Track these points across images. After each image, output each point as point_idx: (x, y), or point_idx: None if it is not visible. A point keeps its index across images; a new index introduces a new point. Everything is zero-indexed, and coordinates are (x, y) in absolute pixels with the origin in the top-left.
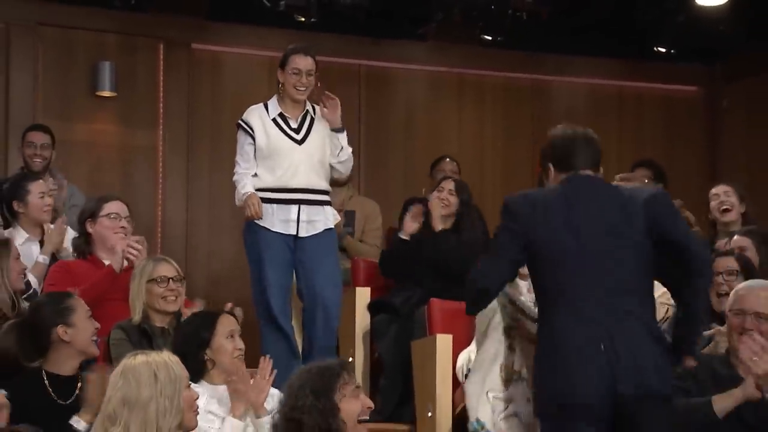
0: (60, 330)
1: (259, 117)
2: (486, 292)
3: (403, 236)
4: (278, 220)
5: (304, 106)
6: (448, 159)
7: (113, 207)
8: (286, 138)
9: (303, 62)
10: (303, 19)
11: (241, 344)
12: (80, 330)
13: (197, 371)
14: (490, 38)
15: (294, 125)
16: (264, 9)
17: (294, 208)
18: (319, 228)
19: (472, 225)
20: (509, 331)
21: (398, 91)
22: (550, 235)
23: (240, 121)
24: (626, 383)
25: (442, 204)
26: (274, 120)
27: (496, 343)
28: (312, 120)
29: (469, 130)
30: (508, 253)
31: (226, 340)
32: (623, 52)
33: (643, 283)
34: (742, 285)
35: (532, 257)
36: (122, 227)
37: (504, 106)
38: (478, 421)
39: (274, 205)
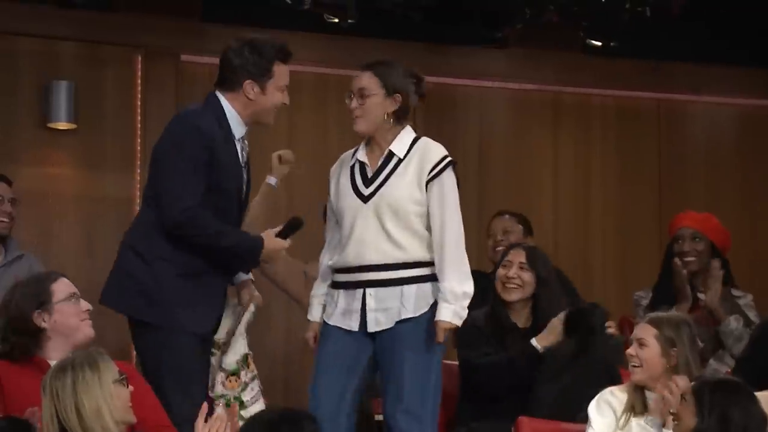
0: None
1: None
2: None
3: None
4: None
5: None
6: (505, 216)
7: (67, 286)
8: (355, 197)
9: (354, 81)
10: (337, 21)
11: None
12: None
13: None
14: (599, 43)
15: (369, 174)
16: (281, 8)
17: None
18: (393, 318)
19: (556, 311)
20: None
21: (469, 116)
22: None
23: None
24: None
25: (512, 285)
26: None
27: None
28: (398, 163)
29: (569, 167)
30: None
31: None
32: None
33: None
34: None
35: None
36: (87, 311)
37: (619, 134)
38: None
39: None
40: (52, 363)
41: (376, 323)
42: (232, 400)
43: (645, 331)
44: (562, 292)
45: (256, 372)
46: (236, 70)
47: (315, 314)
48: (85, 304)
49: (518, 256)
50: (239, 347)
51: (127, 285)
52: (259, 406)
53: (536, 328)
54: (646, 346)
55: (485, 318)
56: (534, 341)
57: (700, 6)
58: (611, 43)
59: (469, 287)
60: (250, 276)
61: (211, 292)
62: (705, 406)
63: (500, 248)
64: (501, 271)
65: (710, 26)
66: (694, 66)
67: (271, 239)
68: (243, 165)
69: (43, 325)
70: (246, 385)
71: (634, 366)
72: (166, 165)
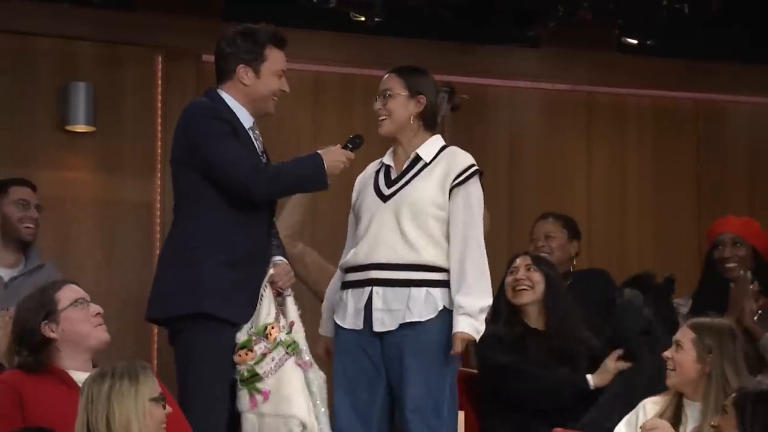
0: None
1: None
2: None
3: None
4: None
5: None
6: (549, 219)
7: (72, 292)
8: (376, 197)
9: (380, 84)
10: (363, 19)
11: None
12: None
13: None
14: (634, 42)
15: (393, 175)
16: (305, 6)
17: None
18: (397, 320)
19: (566, 311)
20: None
21: (500, 117)
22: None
23: None
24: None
25: (523, 287)
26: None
27: None
28: (423, 167)
29: (604, 170)
30: (252, 155)
31: None
32: None
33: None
34: None
35: None
36: (99, 314)
37: (656, 136)
38: None
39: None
40: (70, 372)
41: (382, 323)
42: (245, 374)
43: (683, 334)
44: (569, 294)
45: (281, 339)
46: (228, 58)
47: (326, 328)
48: (95, 308)
49: (523, 261)
50: (258, 319)
51: (155, 290)
52: (282, 375)
53: (552, 330)
54: (682, 349)
55: (503, 326)
56: (590, 378)
57: (739, 3)
58: (647, 42)
59: (489, 301)
60: (280, 258)
61: (247, 279)
62: (747, 417)
63: (543, 254)
64: (509, 278)
65: (750, 24)
66: (733, 65)
67: (330, 152)
68: (261, 153)
69: (52, 335)
70: (263, 356)
71: (670, 369)
72: (206, 155)
